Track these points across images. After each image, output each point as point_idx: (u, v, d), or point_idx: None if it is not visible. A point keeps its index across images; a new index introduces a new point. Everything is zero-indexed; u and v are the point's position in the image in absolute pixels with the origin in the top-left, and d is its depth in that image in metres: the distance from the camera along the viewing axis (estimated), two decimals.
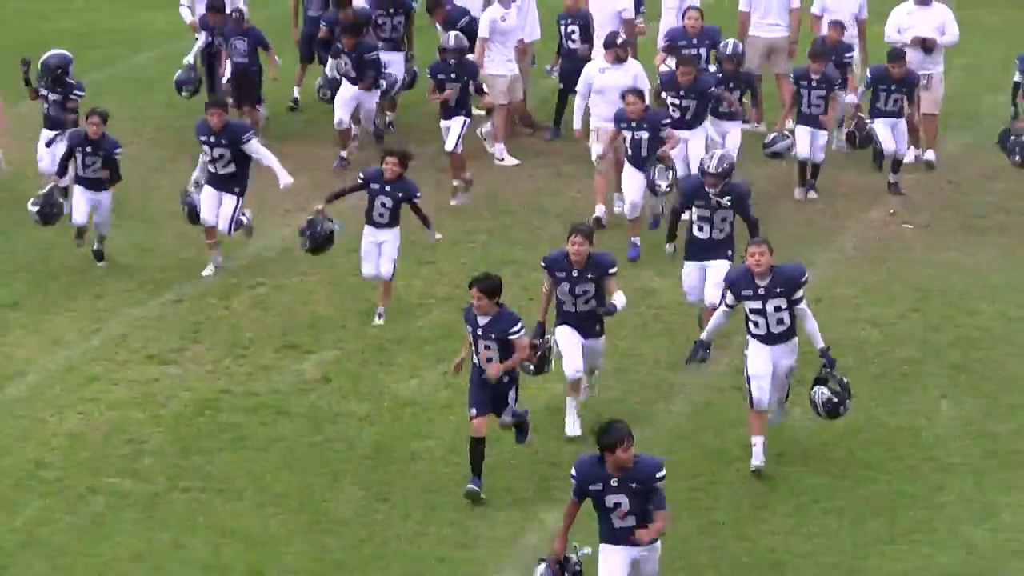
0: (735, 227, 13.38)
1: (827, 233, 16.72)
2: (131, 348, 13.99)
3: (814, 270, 14.74)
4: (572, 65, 18.28)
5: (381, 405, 12.74)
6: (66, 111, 16.37)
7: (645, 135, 15.16)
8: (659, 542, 9.27)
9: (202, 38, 18.93)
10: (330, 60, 18.30)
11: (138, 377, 13.45)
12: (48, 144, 16.36)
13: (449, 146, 16.99)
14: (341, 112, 17.90)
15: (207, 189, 15.11)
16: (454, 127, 16.92)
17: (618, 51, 16.72)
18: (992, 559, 10.74)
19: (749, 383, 11.68)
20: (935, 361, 13.84)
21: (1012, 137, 16.65)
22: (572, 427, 12.25)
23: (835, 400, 11.61)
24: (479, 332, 11.34)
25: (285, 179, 15.23)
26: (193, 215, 15.20)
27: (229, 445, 12.41)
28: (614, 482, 9.15)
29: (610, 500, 9.19)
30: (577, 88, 17.04)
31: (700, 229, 13.35)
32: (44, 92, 16.42)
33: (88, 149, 14.96)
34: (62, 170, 15.13)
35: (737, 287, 11.63)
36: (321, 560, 10.78)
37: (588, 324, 12.17)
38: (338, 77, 17.97)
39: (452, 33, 17.37)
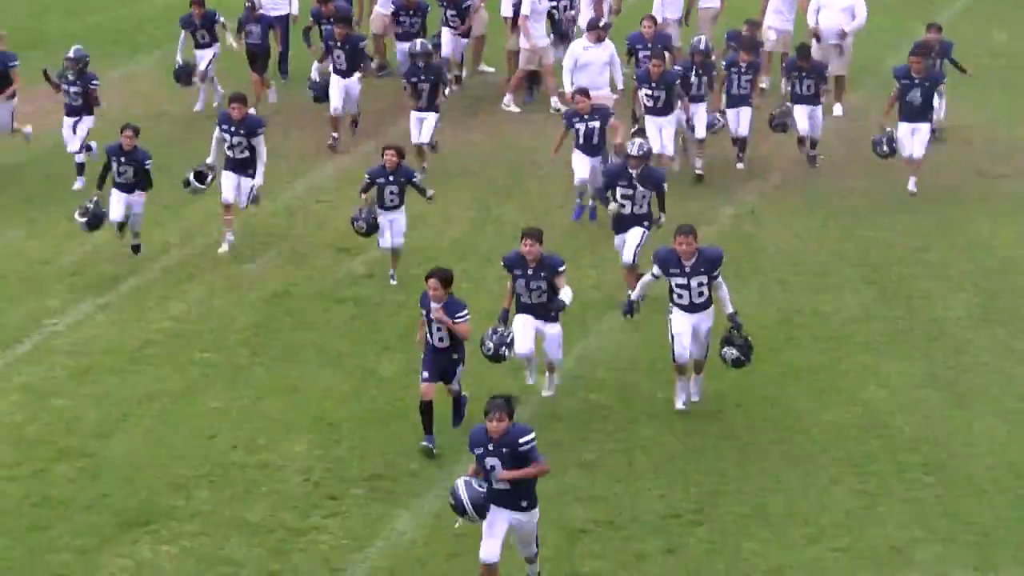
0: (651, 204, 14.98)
1: (761, 171, 19.62)
2: (217, 256, 16.70)
3: (752, 196, 18.39)
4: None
5: (412, 296, 14.16)
6: (88, 98, 18.39)
7: (597, 124, 16.86)
8: (536, 512, 10.31)
9: (182, 36, 21.05)
10: (314, 65, 20.14)
11: (224, 276, 16.28)
12: (74, 129, 18.40)
13: (424, 139, 18.74)
14: (336, 101, 19.65)
15: (226, 172, 16.50)
16: (429, 120, 18.78)
17: (599, 32, 19.31)
18: (885, 413, 13.50)
19: (672, 341, 12.99)
20: (842, 262, 16.78)
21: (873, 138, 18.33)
22: (548, 390, 13.58)
23: (741, 357, 13.03)
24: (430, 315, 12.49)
25: (259, 181, 16.52)
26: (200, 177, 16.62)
27: (297, 325, 15.16)
28: (491, 447, 10.15)
29: (488, 462, 10.19)
30: (564, 63, 19.51)
31: (623, 206, 14.82)
32: (65, 85, 18.40)
33: (122, 159, 15.98)
34: (101, 181, 16.15)
35: (666, 265, 12.83)
36: (369, 409, 13.47)
37: (543, 311, 13.05)
38: (319, 79, 19.92)
39: (418, 40, 19.46)
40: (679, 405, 13.24)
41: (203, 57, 20.99)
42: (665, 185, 15.00)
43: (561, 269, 12.93)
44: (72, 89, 18.39)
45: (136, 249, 16.44)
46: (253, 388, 13.90)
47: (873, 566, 11.14)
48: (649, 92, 18.08)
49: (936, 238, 17.47)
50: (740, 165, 19.38)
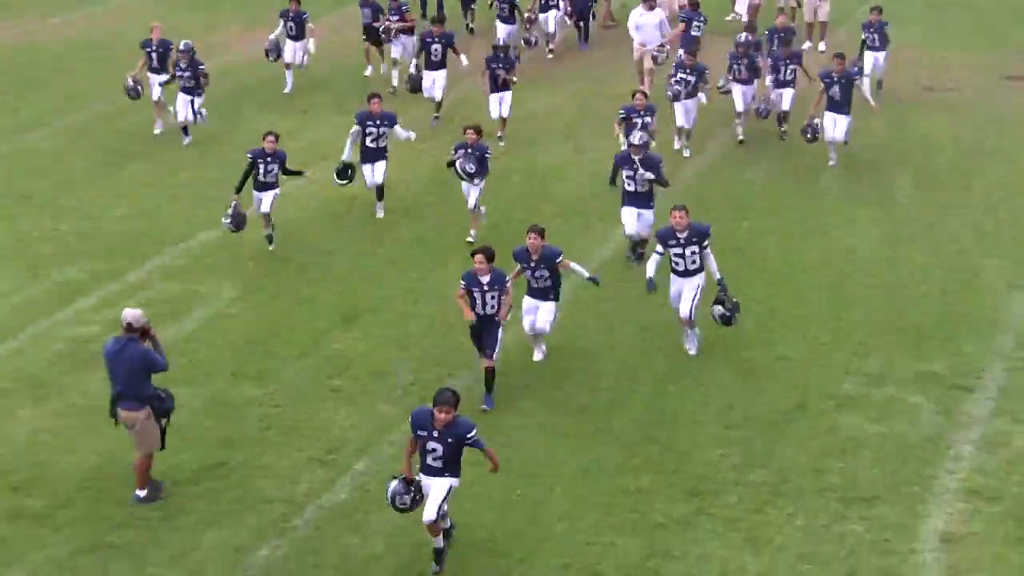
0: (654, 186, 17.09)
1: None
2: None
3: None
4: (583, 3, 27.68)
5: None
6: (198, 80, 21.80)
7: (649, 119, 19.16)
8: (451, 481, 11.29)
9: (280, 26, 24.79)
10: (413, 60, 23.34)
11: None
12: (189, 106, 21.86)
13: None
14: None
15: (366, 165, 18.67)
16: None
17: (652, 3, 23.78)
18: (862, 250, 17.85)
19: (674, 303, 15.20)
20: (815, 152, 21.21)
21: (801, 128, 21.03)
22: (538, 354, 15.15)
23: (728, 315, 15.03)
24: (485, 287, 13.92)
25: (412, 134, 19.35)
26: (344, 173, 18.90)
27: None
28: (435, 433, 11.18)
29: (429, 445, 11.26)
30: (628, 24, 24.35)
31: (628, 184, 17.09)
32: (179, 71, 21.84)
33: (268, 159, 17.52)
34: (240, 187, 17.46)
35: (665, 239, 14.97)
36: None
37: (543, 293, 14.86)
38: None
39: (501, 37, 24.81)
40: (692, 352, 15.26)
41: (296, 49, 24.75)
42: (662, 167, 17.09)
43: (559, 259, 14.72)
44: (185, 74, 21.89)
45: (270, 240, 17.93)
46: None
47: None
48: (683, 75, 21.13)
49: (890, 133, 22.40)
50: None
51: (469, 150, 17.56)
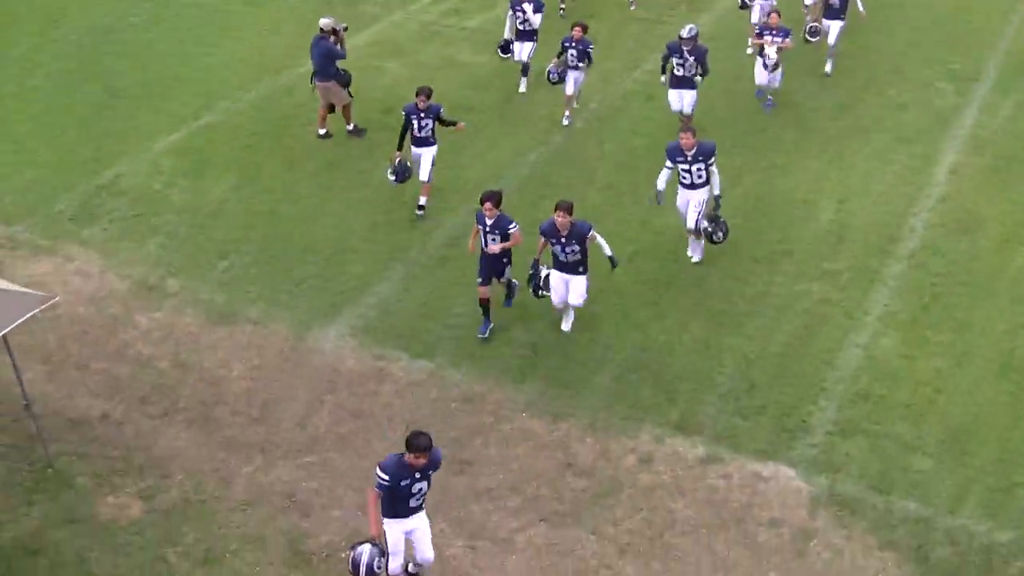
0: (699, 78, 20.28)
1: None
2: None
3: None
4: None
5: None
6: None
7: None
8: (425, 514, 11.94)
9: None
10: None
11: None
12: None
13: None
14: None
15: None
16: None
17: None
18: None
19: (681, 214, 17.20)
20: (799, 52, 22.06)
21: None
22: (566, 324, 16.11)
23: (710, 231, 17.00)
24: (487, 228, 15.35)
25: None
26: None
27: None
28: (417, 475, 11.48)
29: (415, 488, 11.53)
30: None
31: (677, 69, 20.32)
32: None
33: (421, 115, 18.29)
34: (400, 144, 18.41)
35: (673, 155, 16.81)
36: None
37: (573, 267, 15.57)
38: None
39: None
40: (695, 259, 17.36)
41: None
42: (707, 57, 20.15)
43: (589, 235, 15.29)
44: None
45: (420, 207, 18.70)
46: None
47: None
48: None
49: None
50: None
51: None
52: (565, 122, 21.44)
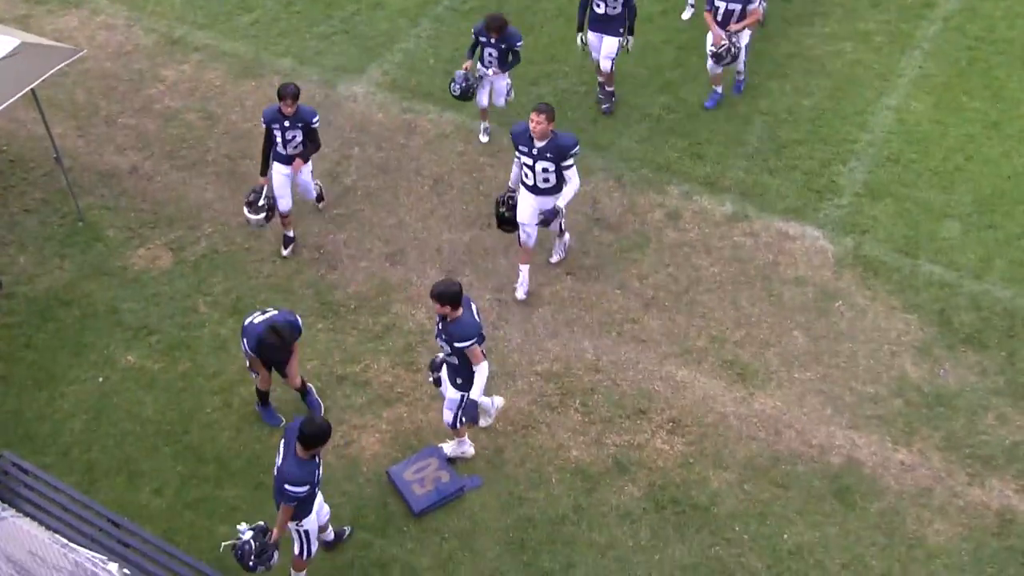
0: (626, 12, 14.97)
1: None
2: None
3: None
4: None
5: None
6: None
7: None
8: None
9: None
10: None
11: None
12: None
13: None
14: None
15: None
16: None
17: None
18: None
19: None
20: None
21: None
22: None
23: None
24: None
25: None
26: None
27: None
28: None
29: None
30: None
31: (598, 7, 14.66)
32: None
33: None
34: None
35: (517, 140, 12.42)
36: None
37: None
38: None
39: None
40: (554, 260, 13.70)
41: None
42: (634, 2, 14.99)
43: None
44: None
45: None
46: None
47: None
48: None
49: None
50: None
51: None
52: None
